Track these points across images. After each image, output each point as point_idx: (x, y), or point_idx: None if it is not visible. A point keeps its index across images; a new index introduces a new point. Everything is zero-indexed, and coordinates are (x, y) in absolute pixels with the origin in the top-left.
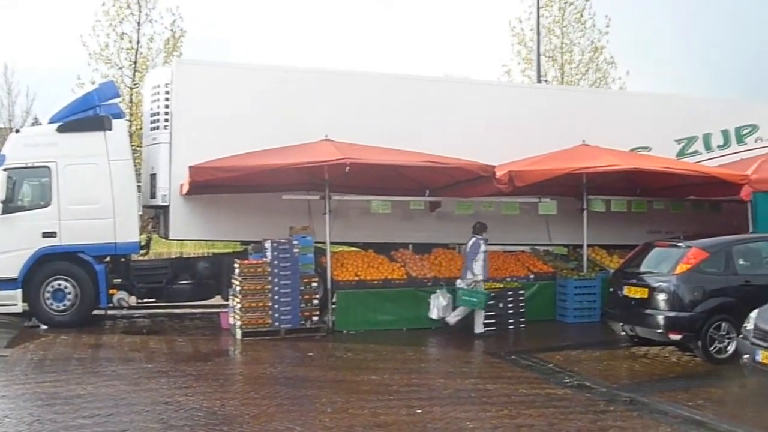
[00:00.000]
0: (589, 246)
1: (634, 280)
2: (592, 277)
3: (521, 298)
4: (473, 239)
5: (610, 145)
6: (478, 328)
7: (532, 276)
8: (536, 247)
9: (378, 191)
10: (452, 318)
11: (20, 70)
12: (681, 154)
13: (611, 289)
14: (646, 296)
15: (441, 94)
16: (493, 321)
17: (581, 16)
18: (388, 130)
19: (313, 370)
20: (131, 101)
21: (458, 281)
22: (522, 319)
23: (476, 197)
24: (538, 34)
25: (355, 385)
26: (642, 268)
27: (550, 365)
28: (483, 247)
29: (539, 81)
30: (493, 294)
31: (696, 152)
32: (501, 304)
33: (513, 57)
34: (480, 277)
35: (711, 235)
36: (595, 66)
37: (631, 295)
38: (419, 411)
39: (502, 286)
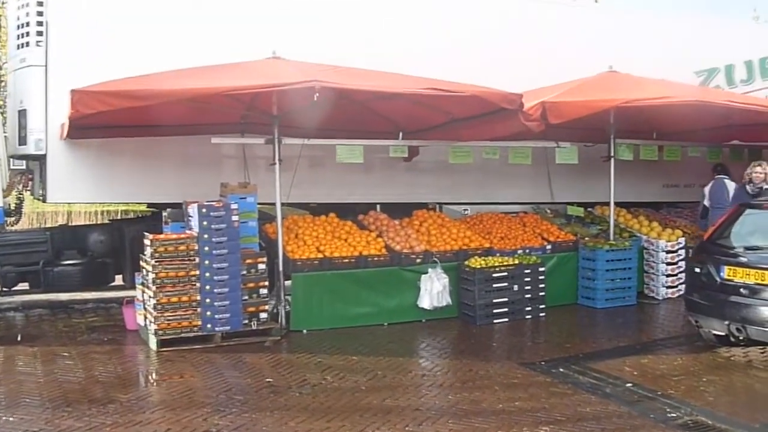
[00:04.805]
0: (603, 204)
1: (744, 259)
2: (627, 247)
3: (541, 277)
4: (734, 184)
5: None
6: None
7: (548, 246)
8: (541, 206)
9: (336, 134)
10: None
11: None
12: None
13: (697, 270)
14: (766, 282)
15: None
16: (505, 310)
17: None
18: (355, 50)
19: (285, 416)
20: None
21: None
22: (542, 306)
23: (480, 140)
24: None
25: None
26: (747, 241)
27: (628, 384)
28: None
29: None
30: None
31: (717, 87)
32: (516, 287)
33: None
34: None
35: None
36: None
37: (738, 280)
38: None
39: (516, 261)
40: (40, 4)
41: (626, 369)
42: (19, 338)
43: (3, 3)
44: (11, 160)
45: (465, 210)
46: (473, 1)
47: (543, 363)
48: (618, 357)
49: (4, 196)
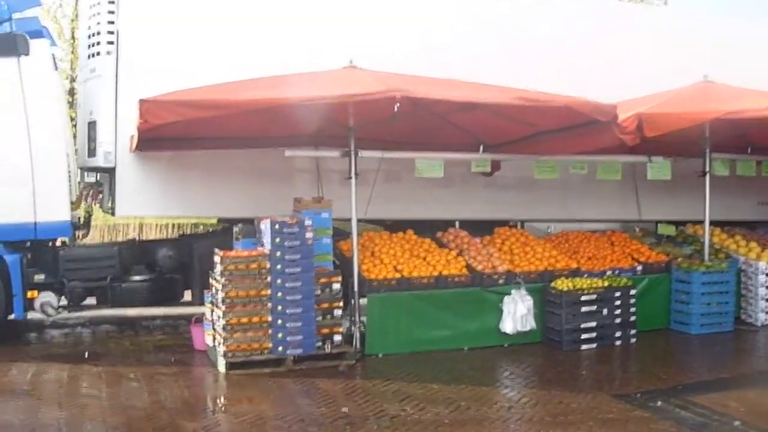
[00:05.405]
0: (694, 223)
1: None
2: (724, 269)
3: (632, 300)
4: None
5: None
6: None
7: (639, 267)
8: (629, 224)
9: (413, 146)
10: None
11: None
12: None
13: None
14: None
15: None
16: (594, 335)
17: None
18: (431, 59)
19: None
20: (73, 38)
21: None
22: (632, 331)
23: (568, 154)
24: None
25: None
26: None
27: (737, 423)
28: None
29: None
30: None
31: None
32: (605, 310)
33: None
34: None
35: None
36: None
37: None
38: None
39: (606, 283)
40: (112, 12)
41: (732, 404)
42: (86, 355)
43: (76, 16)
44: (83, 172)
45: (548, 228)
46: (557, 7)
47: (639, 395)
48: (721, 390)
49: (73, 209)
